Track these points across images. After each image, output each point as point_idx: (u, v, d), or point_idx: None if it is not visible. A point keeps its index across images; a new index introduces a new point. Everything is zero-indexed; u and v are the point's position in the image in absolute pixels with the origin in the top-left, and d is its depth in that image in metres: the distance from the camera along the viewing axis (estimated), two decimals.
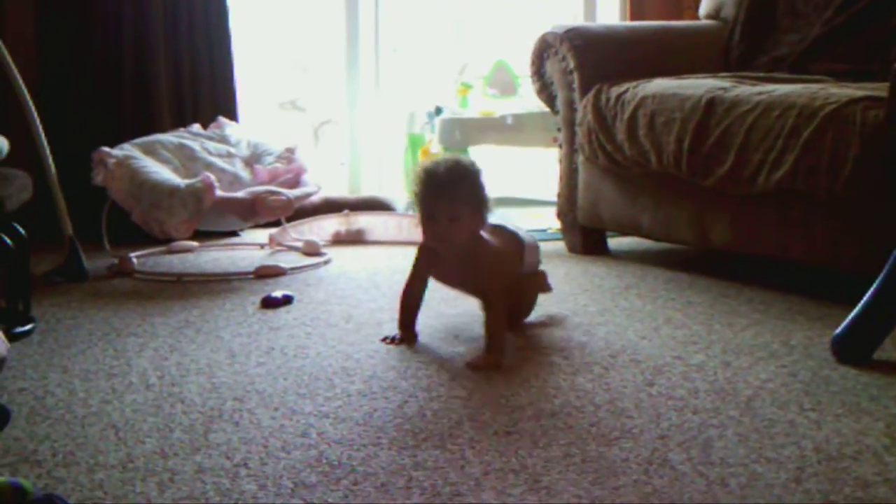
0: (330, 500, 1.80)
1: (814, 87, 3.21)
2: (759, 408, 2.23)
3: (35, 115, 3.67)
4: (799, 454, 1.97)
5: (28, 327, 2.93)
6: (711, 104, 3.32)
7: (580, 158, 3.94)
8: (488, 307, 2.69)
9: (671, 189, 3.56)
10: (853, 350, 2.54)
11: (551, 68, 4.05)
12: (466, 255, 2.69)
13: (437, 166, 2.67)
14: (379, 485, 1.87)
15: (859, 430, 2.09)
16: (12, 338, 2.75)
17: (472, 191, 2.65)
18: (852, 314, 2.56)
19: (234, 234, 4.45)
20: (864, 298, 2.55)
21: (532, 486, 1.85)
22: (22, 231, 3.11)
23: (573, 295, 3.31)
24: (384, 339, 2.80)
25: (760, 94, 3.24)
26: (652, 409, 2.23)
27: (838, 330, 2.58)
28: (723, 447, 2.01)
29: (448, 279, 2.85)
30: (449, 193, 2.62)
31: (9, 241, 3.01)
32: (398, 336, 2.81)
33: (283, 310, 3.19)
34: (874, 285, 2.54)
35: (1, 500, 1.55)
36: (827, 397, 2.28)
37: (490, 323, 2.66)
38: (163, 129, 4.20)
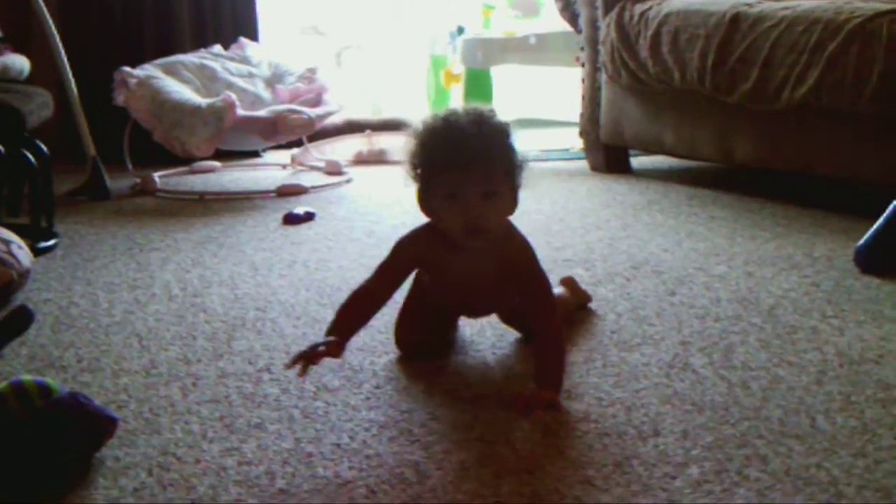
0: (352, 402, 1.81)
1: (839, 1, 3.17)
2: (782, 315, 2.22)
3: (56, 35, 3.66)
4: (821, 359, 1.97)
5: (51, 242, 2.95)
6: (736, 20, 3.28)
7: (603, 77, 3.91)
8: (544, 323, 1.86)
9: (694, 106, 3.53)
10: (876, 260, 2.53)
11: None
12: (497, 254, 1.88)
13: (457, 117, 1.83)
14: (401, 388, 1.89)
15: (881, 336, 2.08)
16: (36, 252, 2.76)
17: (509, 154, 1.83)
18: (875, 226, 2.55)
19: (256, 154, 4.45)
20: (888, 210, 2.54)
21: None
22: (44, 148, 3.13)
23: (595, 210, 3.30)
24: (299, 359, 1.76)
25: (785, 8, 3.20)
26: (673, 317, 2.23)
27: (861, 241, 2.57)
28: (744, 352, 2.01)
29: (465, 291, 1.99)
30: (483, 156, 1.78)
31: (31, 157, 3.02)
32: (321, 346, 1.78)
33: (305, 225, 3.20)
34: None
35: (28, 397, 1.56)
36: (849, 305, 2.28)
37: (546, 347, 1.85)
38: (184, 50, 4.19)
